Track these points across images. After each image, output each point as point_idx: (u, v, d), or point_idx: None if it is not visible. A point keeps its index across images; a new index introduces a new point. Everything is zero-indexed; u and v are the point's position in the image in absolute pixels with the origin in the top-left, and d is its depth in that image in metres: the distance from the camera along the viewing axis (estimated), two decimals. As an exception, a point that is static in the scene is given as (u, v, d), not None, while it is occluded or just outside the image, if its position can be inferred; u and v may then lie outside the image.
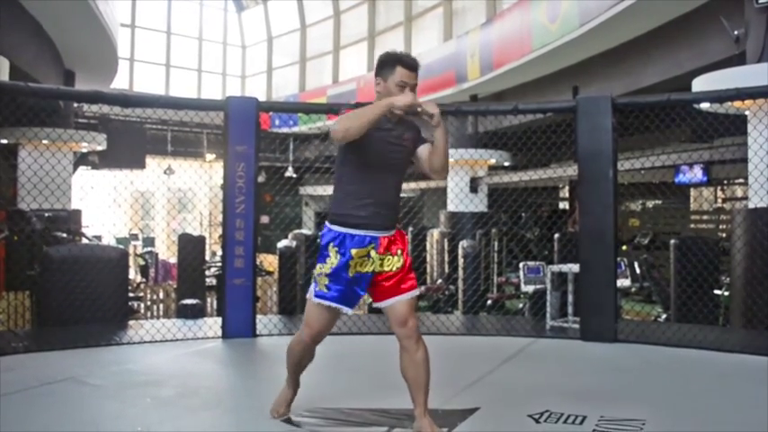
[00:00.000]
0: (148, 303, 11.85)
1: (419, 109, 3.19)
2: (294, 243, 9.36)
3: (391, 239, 3.34)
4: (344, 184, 3.33)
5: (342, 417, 3.68)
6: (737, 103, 6.99)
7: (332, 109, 8.59)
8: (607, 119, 5.85)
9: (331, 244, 3.31)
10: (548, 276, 6.65)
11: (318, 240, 3.51)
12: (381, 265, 3.31)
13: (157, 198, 21.05)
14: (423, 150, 3.39)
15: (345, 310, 3.36)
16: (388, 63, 3.29)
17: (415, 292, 3.36)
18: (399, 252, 3.35)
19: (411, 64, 3.28)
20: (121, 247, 8.28)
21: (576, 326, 6.12)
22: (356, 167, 3.29)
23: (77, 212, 12.36)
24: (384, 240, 3.31)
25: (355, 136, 3.11)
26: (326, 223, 3.38)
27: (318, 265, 3.34)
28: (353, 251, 3.27)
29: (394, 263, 3.33)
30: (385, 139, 3.28)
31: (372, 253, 3.29)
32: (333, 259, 3.29)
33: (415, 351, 3.27)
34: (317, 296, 3.35)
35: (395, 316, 3.31)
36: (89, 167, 15.77)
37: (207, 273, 12.34)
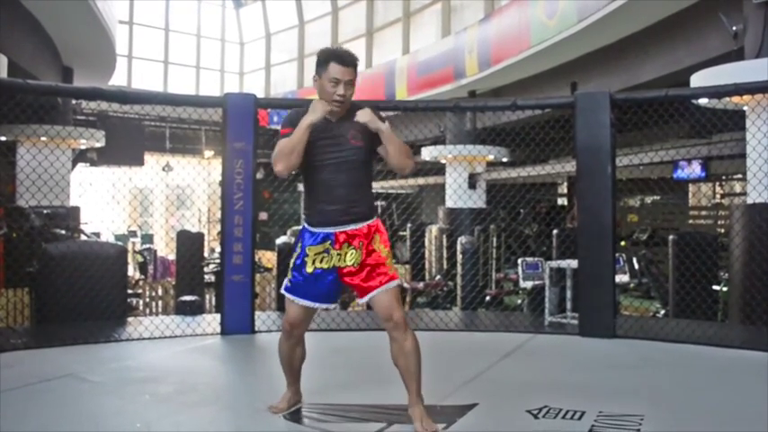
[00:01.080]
0: (147, 300, 11.84)
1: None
2: (292, 239, 9.37)
3: (351, 234, 3.35)
4: (306, 187, 3.44)
5: (339, 412, 3.68)
6: (736, 99, 6.99)
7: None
8: (605, 115, 5.84)
9: (299, 240, 3.44)
10: (546, 272, 6.66)
11: None
12: (343, 260, 3.36)
13: (156, 195, 21.06)
14: (381, 149, 3.40)
15: (310, 304, 3.43)
16: (321, 60, 3.30)
17: (393, 284, 3.37)
18: (361, 245, 3.35)
19: (344, 59, 3.27)
20: (120, 243, 8.26)
21: (575, 321, 6.12)
22: (309, 172, 3.37)
23: (76, 209, 12.35)
24: (341, 236, 3.34)
25: (295, 166, 3.28)
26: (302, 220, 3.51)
27: (291, 260, 3.47)
28: (308, 248, 3.37)
29: (355, 257, 3.35)
30: (326, 144, 3.32)
31: (330, 249, 3.35)
32: (296, 253, 3.43)
33: (404, 340, 3.33)
34: (283, 289, 3.49)
35: (379, 309, 3.37)
36: (88, 164, 15.77)
37: (205, 269, 12.36)
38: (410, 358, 3.34)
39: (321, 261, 3.36)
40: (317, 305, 3.47)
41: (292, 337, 3.55)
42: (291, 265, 3.44)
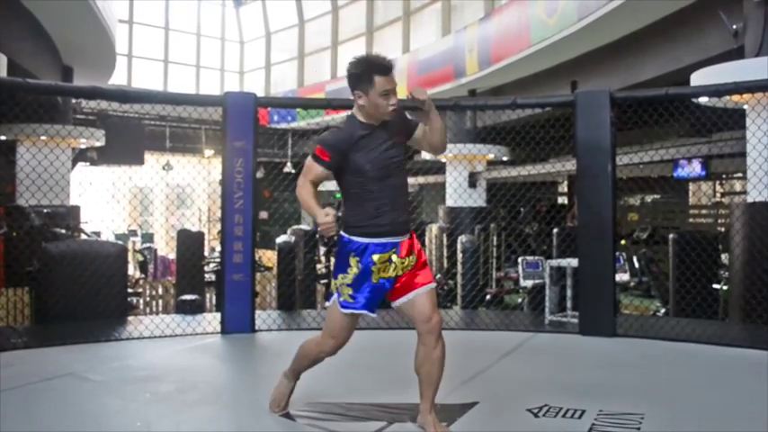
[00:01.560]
0: (147, 299, 11.85)
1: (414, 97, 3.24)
2: (293, 238, 9.38)
3: (410, 242, 3.35)
4: (359, 198, 3.27)
5: (341, 411, 3.68)
6: (736, 98, 6.99)
7: (330, 104, 8.55)
8: (606, 113, 5.84)
9: (351, 254, 3.27)
10: (546, 271, 6.66)
11: (335, 249, 3.49)
12: (403, 269, 3.31)
13: (156, 194, 21.06)
14: (419, 132, 3.40)
15: (371, 315, 3.37)
16: (363, 76, 3.21)
17: (433, 285, 3.35)
18: (414, 252, 3.35)
19: (387, 67, 3.23)
20: (120, 242, 8.26)
21: (575, 320, 6.12)
22: (365, 183, 3.24)
23: (76, 208, 12.36)
24: (405, 244, 3.31)
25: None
26: (344, 234, 3.31)
27: (340, 276, 3.30)
28: (376, 257, 3.26)
29: (410, 262, 3.32)
30: (382, 154, 3.26)
31: (394, 258, 3.28)
32: (354, 269, 3.26)
33: (434, 348, 3.26)
34: (343, 306, 3.31)
35: (418, 311, 3.28)
36: (88, 163, 15.77)
37: (206, 268, 12.36)
38: (435, 367, 3.27)
39: (385, 270, 3.27)
40: (373, 315, 3.39)
41: (330, 352, 3.48)
42: (347, 280, 3.27)
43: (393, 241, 3.28)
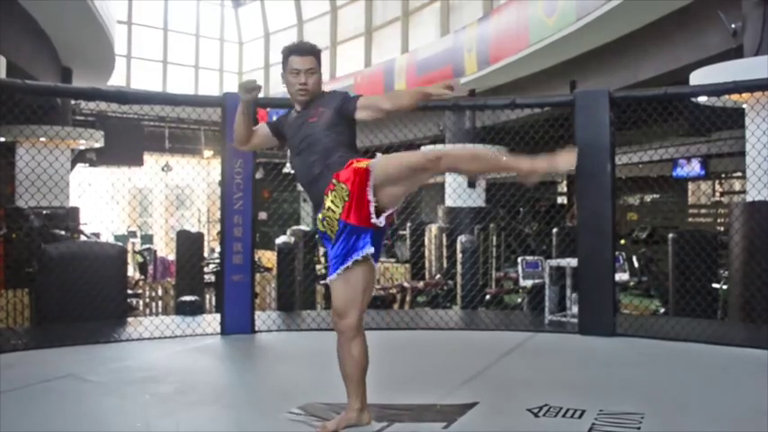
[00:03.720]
0: (147, 300, 11.83)
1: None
2: (292, 239, 9.38)
3: (332, 186, 3.19)
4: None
5: (341, 411, 3.68)
6: (735, 97, 6.99)
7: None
8: (605, 113, 5.84)
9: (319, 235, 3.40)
10: (546, 271, 6.66)
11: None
12: (336, 209, 3.17)
13: (155, 195, 21.04)
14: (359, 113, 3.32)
15: (353, 258, 3.18)
16: (283, 57, 3.41)
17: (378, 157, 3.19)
18: (337, 187, 3.16)
19: (302, 49, 3.39)
20: (120, 244, 8.27)
21: (575, 320, 6.12)
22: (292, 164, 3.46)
23: (75, 210, 12.35)
24: (328, 192, 3.19)
25: (243, 140, 3.55)
26: None
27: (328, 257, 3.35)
28: (319, 223, 3.27)
29: (339, 198, 3.15)
30: (293, 132, 3.41)
31: (326, 203, 3.20)
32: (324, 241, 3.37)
33: (462, 151, 3.34)
34: (330, 275, 3.27)
35: (408, 171, 3.20)
36: (87, 165, 15.76)
37: (205, 269, 12.34)
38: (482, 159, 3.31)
39: (332, 226, 3.19)
40: (360, 255, 3.20)
41: (342, 331, 3.27)
42: (329, 257, 3.24)
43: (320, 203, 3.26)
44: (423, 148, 14.39)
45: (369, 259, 3.23)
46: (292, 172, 3.53)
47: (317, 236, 3.37)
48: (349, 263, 3.19)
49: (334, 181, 3.18)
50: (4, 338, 5.59)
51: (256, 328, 6.01)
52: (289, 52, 3.38)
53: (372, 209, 3.13)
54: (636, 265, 11.26)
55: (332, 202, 3.18)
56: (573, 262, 6.34)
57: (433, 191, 20.35)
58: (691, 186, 18.44)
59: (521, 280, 7.18)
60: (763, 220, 7.04)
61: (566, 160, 3.09)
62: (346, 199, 3.13)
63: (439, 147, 14.15)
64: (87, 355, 5.11)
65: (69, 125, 12.54)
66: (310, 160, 3.29)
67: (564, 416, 3.61)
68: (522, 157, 3.14)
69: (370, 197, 3.12)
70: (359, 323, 3.29)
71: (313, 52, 3.39)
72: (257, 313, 6.31)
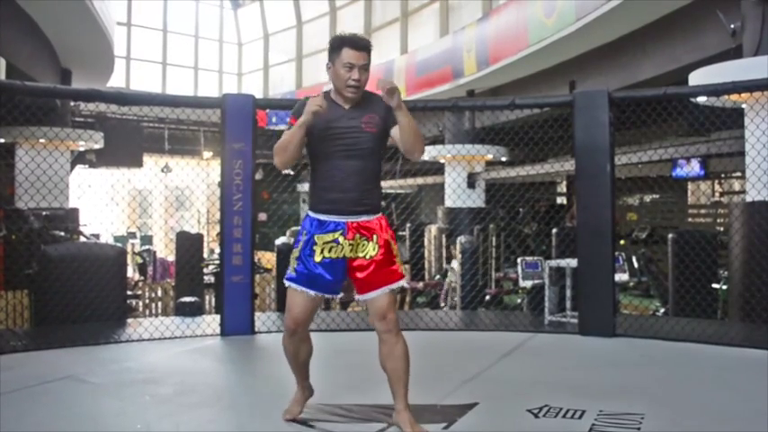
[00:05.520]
0: (147, 301, 11.84)
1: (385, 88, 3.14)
2: (292, 240, 9.36)
3: (363, 225, 3.26)
4: (314, 174, 3.34)
5: (341, 412, 3.68)
6: (734, 97, 7.00)
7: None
8: (604, 113, 5.84)
9: (304, 230, 3.33)
10: (546, 271, 6.66)
11: None
12: (354, 251, 3.25)
13: (155, 196, 21.04)
14: (395, 132, 3.30)
15: (313, 294, 3.30)
16: (334, 46, 3.25)
17: (399, 284, 3.29)
18: (375, 238, 3.27)
19: (357, 43, 3.22)
20: (119, 245, 8.27)
21: (575, 320, 6.12)
22: (319, 159, 3.29)
23: (75, 211, 12.36)
24: (352, 225, 3.25)
25: (292, 162, 3.27)
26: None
27: (293, 249, 3.36)
28: (316, 236, 3.26)
29: (368, 250, 3.26)
30: (339, 132, 3.24)
31: (340, 239, 3.24)
32: (301, 243, 3.31)
33: (395, 344, 3.24)
34: (286, 279, 3.35)
35: (374, 309, 3.26)
36: (86, 166, 15.75)
37: (205, 270, 12.34)
38: (399, 362, 3.25)
39: (330, 251, 3.24)
40: (320, 294, 3.33)
41: (296, 334, 3.39)
42: (296, 254, 3.30)
43: (335, 221, 3.25)
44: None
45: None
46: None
47: (303, 235, 3.33)
48: (310, 292, 3.30)
49: (385, 234, 3.31)
50: (4, 340, 5.58)
51: (256, 329, 6.01)
52: (342, 43, 3.22)
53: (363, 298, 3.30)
54: (636, 265, 11.24)
55: (357, 243, 3.26)
56: (573, 262, 6.33)
57: (432, 191, 20.36)
58: (690, 186, 18.41)
59: (520, 280, 7.17)
60: (762, 220, 7.04)
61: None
62: (368, 258, 3.26)
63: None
64: (87, 357, 5.10)
65: (69, 126, 12.55)
66: (359, 169, 3.27)
67: (564, 416, 3.61)
68: (406, 414, 3.30)
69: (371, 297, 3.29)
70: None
71: (368, 48, 3.25)
72: (257, 314, 6.30)
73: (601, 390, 4.16)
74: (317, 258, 3.25)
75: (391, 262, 3.28)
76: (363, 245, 3.26)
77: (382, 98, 3.18)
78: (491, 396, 4.01)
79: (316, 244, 3.26)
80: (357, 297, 3.33)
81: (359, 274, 3.27)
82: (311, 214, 3.31)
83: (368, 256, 3.25)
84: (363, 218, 3.27)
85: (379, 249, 3.26)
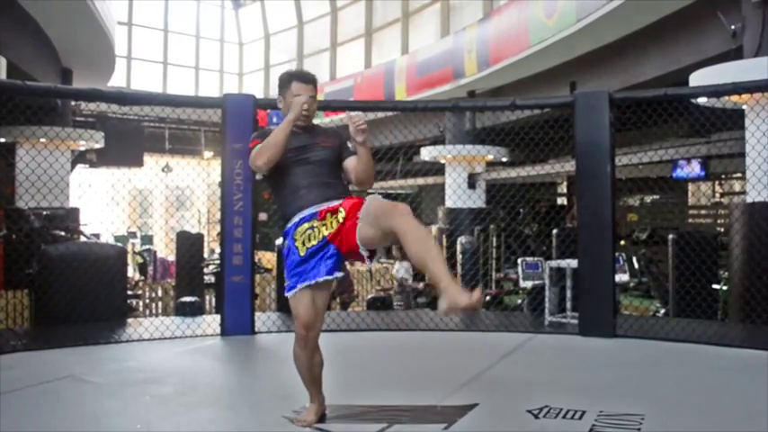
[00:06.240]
0: (147, 301, 11.84)
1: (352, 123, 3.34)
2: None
3: (330, 208, 3.34)
4: (277, 190, 3.53)
5: (341, 413, 3.68)
6: (735, 98, 7.00)
7: (329, 106, 8.57)
8: (605, 114, 5.85)
9: (285, 245, 3.45)
10: (546, 272, 6.66)
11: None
12: (329, 227, 3.31)
13: (155, 196, 21.04)
14: (349, 162, 3.52)
15: (317, 280, 3.32)
16: (284, 81, 3.57)
17: (372, 197, 3.23)
18: (342, 210, 3.29)
19: (305, 77, 3.55)
20: (120, 244, 8.27)
21: (575, 321, 6.12)
22: (279, 174, 3.47)
23: (75, 210, 12.35)
24: (322, 211, 3.35)
25: (276, 159, 3.39)
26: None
27: (287, 270, 3.45)
28: (295, 233, 3.37)
29: (338, 218, 3.28)
30: (298, 150, 3.46)
31: (315, 224, 3.35)
32: (288, 253, 3.42)
33: (416, 228, 3.02)
34: (287, 292, 3.42)
35: (378, 218, 3.11)
36: (87, 165, 15.75)
37: (205, 270, 12.34)
38: (427, 241, 3.03)
39: (310, 239, 3.34)
40: (323, 278, 3.31)
41: (309, 341, 3.41)
42: (288, 266, 3.41)
43: (309, 213, 3.38)
44: (422, 149, 14.40)
45: (330, 283, 3.40)
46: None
47: (285, 240, 3.36)
48: (311, 282, 3.33)
49: (339, 207, 3.34)
50: (4, 339, 5.59)
51: (256, 329, 6.01)
52: (292, 78, 3.54)
53: (358, 238, 3.18)
54: (636, 265, 11.25)
55: (329, 220, 3.33)
56: (573, 263, 6.34)
57: (433, 192, 20.37)
58: (691, 187, 18.42)
59: (521, 281, 7.18)
60: (762, 221, 7.04)
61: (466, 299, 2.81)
62: (341, 221, 3.28)
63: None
64: (87, 356, 5.11)
65: (69, 126, 12.55)
66: (319, 171, 3.47)
67: (564, 417, 3.61)
68: (454, 285, 2.88)
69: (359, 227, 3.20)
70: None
71: (314, 81, 3.56)
72: (257, 314, 6.31)
73: (601, 390, 4.17)
74: (302, 252, 3.35)
75: (358, 206, 3.23)
76: (331, 219, 3.33)
77: (347, 130, 3.37)
78: (491, 397, 4.01)
79: (296, 240, 3.37)
80: (359, 242, 3.19)
81: (340, 236, 3.27)
82: (287, 227, 3.45)
83: (339, 221, 3.28)
84: (331, 203, 3.38)
85: (348, 213, 3.27)
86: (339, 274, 3.38)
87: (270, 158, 3.38)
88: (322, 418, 3.55)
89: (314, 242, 3.33)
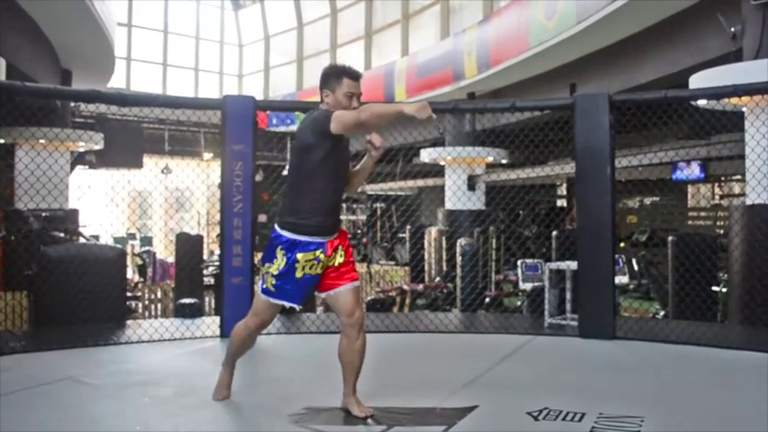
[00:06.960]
0: (146, 303, 11.83)
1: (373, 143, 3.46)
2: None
3: (338, 241, 3.58)
4: (303, 193, 3.50)
5: (340, 415, 3.67)
6: (734, 100, 6.99)
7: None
8: (604, 116, 5.85)
9: (279, 247, 3.50)
10: (546, 274, 6.66)
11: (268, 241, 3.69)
12: (332, 263, 3.55)
13: (155, 197, 21.03)
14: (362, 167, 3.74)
15: (289, 305, 3.60)
16: (333, 75, 3.53)
17: (357, 283, 3.59)
18: (341, 248, 3.59)
19: (356, 74, 3.54)
20: (119, 246, 8.28)
21: (575, 323, 6.12)
22: (316, 178, 3.47)
23: (75, 212, 12.33)
24: (331, 244, 3.53)
25: (370, 126, 3.40)
26: (276, 227, 3.55)
27: (266, 264, 3.55)
28: (299, 255, 3.47)
29: (336, 259, 3.57)
30: (344, 155, 3.58)
31: (321, 257, 3.50)
32: (280, 261, 3.49)
33: (356, 339, 3.54)
34: (263, 292, 3.59)
35: (342, 306, 3.54)
36: (86, 167, 15.74)
37: (205, 272, 12.34)
38: (356, 356, 3.56)
39: (311, 268, 3.49)
40: (294, 306, 3.61)
41: (258, 332, 3.79)
42: (274, 272, 3.51)
43: (318, 241, 3.50)
44: (422, 151, 14.39)
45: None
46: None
47: (279, 253, 3.45)
48: (285, 303, 3.59)
49: (346, 241, 3.65)
50: (3, 341, 5.57)
51: (256, 331, 5.99)
52: (343, 73, 3.51)
53: (324, 294, 3.65)
54: (635, 267, 11.24)
55: (337, 254, 3.56)
56: (573, 265, 6.33)
57: (433, 193, 20.36)
58: (690, 189, 18.45)
59: (520, 283, 7.17)
60: (762, 223, 7.03)
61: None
62: (336, 265, 3.56)
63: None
64: (86, 358, 5.10)
65: (69, 127, 12.53)
66: (340, 190, 3.61)
67: (564, 419, 3.61)
68: (355, 398, 3.61)
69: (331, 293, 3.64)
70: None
71: (361, 78, 3.59)
72: (257, 316, 6.28)
73: (600, 392, 4.16)
74: (299, 275, 3.49)
75: (352, 263, 3.62)
76: (334, 257, 3.56)
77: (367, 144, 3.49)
78: (491, 399, 4.00)
79: (298, 262, 3.48)
80: (322, 294, 3.61)
81: (326, 278, 3.57)
82: (289, 235, 3.49)
83: (336, 263, 3.55)
84: (335, 234, 3.58)
85: (346, 256, 3.58)
86: (299, 307, 3.65)
87: (367, 122, 3.35)
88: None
89: (313, 272, 3.51)
